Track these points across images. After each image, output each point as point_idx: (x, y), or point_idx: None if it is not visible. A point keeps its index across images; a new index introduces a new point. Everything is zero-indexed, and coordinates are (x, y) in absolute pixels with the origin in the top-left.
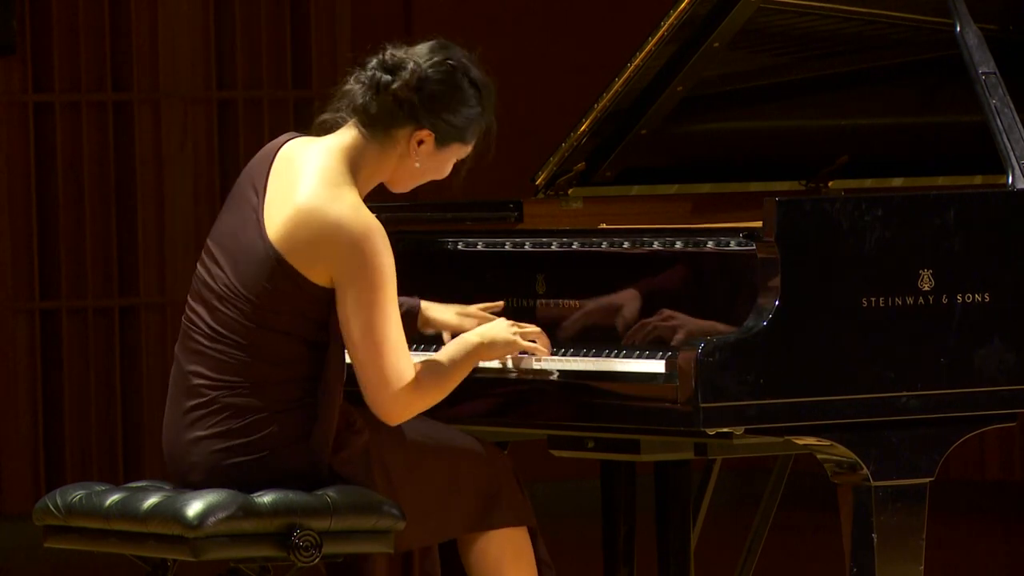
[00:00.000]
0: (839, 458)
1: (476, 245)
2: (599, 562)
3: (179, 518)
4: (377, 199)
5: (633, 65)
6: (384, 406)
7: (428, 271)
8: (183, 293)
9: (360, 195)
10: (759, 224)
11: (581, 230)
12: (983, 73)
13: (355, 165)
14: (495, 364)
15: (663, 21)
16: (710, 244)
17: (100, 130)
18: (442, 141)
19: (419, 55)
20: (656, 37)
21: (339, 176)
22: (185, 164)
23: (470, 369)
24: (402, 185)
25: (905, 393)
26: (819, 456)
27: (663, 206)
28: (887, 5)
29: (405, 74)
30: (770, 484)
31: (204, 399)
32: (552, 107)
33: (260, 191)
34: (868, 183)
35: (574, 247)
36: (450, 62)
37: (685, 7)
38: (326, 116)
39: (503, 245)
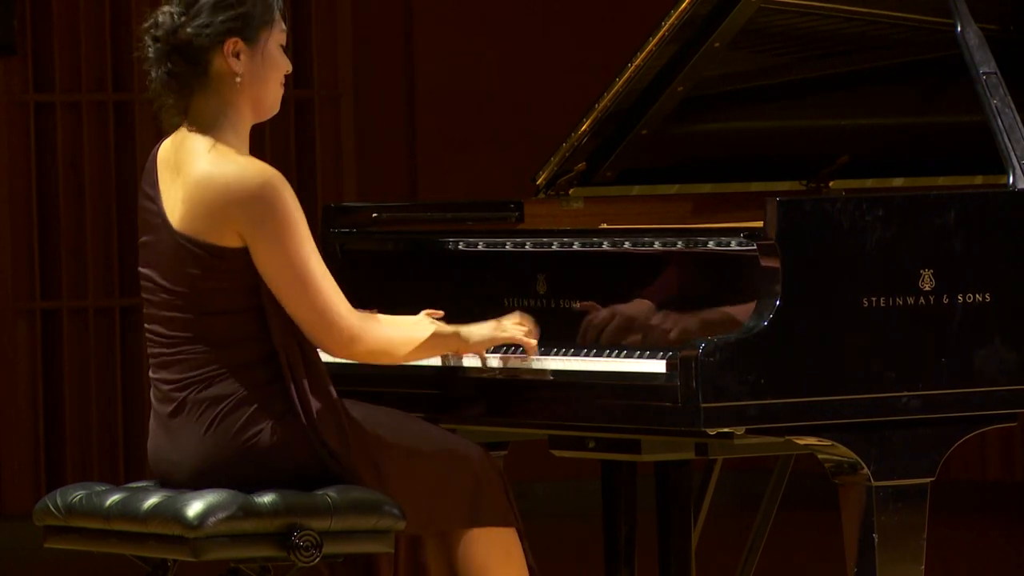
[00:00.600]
0: (840, 458)
1: (477, 245)
2: (600, 562)
3: (179, 518)
4: (376, 198)
5: (634, 65)
6: (328, 338)
7: (428, 271)
8: None
9: (243, 151)
10: (760, 224)
11: (582, 230)
12: (984, 73)
13: (218, 127)
14: (493, 364)
15: (664, 21)
16: (711, 244)
17: (101, 130)
18: (249, 38)
19: (163, 8)
20: (657, 37)
21: (214, 144)
22: None
23: (438, 349)
24: (264, 106)
25: (906, 393)
26: (820, 456)
27: (664, 206)
28: (888, 5)
29: (163, 26)
30: (771, 484)
31: (177, 403)
32: (553, 107)
33: (156, 196)
34: (869, 183)
35: (575, 247)
36: None
37: (686, 7)
38: (163, 114)
39: (504, 245)
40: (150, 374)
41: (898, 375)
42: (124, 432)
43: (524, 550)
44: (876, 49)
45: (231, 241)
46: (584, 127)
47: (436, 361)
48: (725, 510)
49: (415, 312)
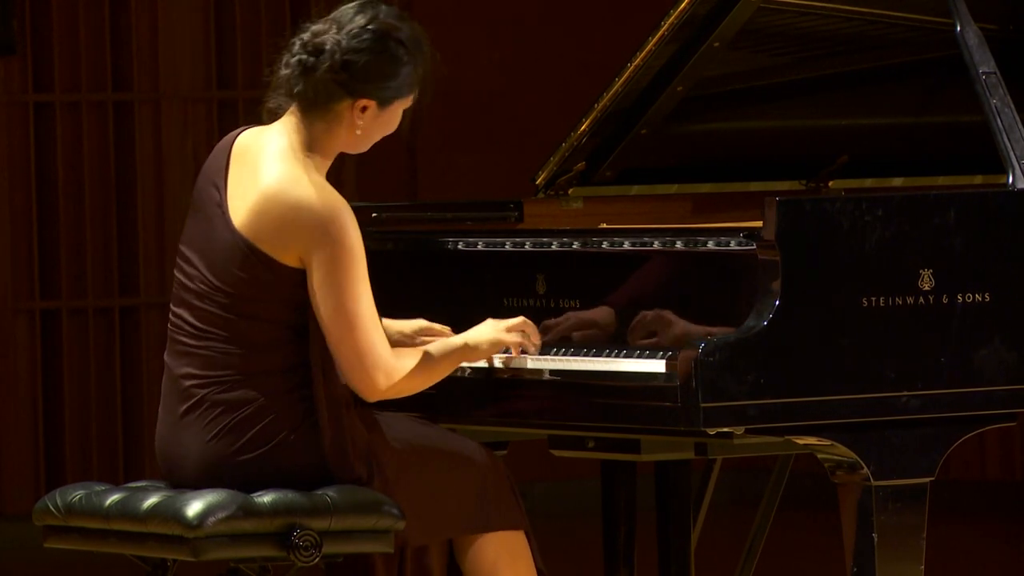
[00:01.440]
0: (839, 458)
1: (476, 245)
2: (599, 562)
3: (179, 518)
4: (376, 199)
5: (633, 65)
6: (362, 383)
7: (428, 271)
8: None
9: (321, 173)
10: (759, 224)
11: (581, 230)
12: (983, 73)
13: (308, 145)
14: (497, 364)
15: (663, 21)
16: (710, 244)
17: (100, 130)
18: (384, 103)
19: (341, 25)
20: (656, 37)
21: (297, 158)
22: (185, 164)
23: (453, 367)
24: (358, 149)
25: (905, 393)
26: (819, 456)
27: (663, 206)
28: (887, 5)
29: (328, 53)
30: (770, 484)
31: (195, 399)
32: (552, 107)
33: (221, 187)
34: (868, 183)
35: (574, 247)
36: (371, 28)
37: (685, 7)
38: (270, 104)
39: (503, 245)
40: (167, 358)
41: (897, 375)
42: (124, 432)
43: (532, 551)
44: (876, 49)
45: (290, 260)
46: (584, 127)
47: None
48: (724, 510)
49: (415, 315)
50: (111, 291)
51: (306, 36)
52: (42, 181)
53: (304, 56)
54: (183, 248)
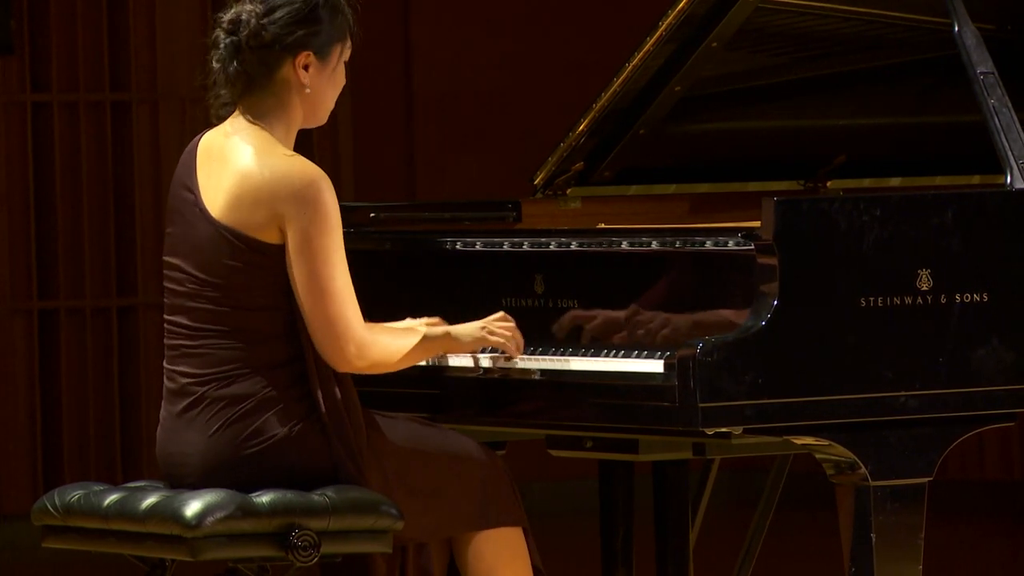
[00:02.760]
0: (837, 458)
1: (474, 245)
2: (597, 562)
3: (177, 518)
4: (374, 198)
5: (631, 65)
6: (333, 351)
7: (426, 271)
8: None
9: (288, 148)
10: (757, 224)
11: (579, 230)
12: (981, 73)
13: (270, 124)
14: (493, 364)
15: (661, 20)
16: (708, 244)
17: (98, 130)
18: (321, 53)
19: (246, 2)
20: (654, 37)
21: (263, 137)
22: None
23: (430, 354)
24: (316, 116)
25: (903, 393)
26: (817, 456)
27: (661, 206)
28: (885, 5)
29: (245, 22)
30: (768, 484)
31: (195, 396)
32: (550, 107)
33: (194, 188)
34: (866, 183)
35: (572, 247)
36: None
37: (683, 6)
38: (215, 105)
39: (501, 245)
40: (165, 365)
41: (896, 375)
42: (122, 432)
43: (530, 548)
44: (873, 49)
45: (272, 237)
46: (582, 127)
47: (433, 361)
48: (723, 510)
49: (413, 314)
50: (109, 291)
51: (223, 23)
52: (40, 181)
53: (228, 38)
54: (168, 258)
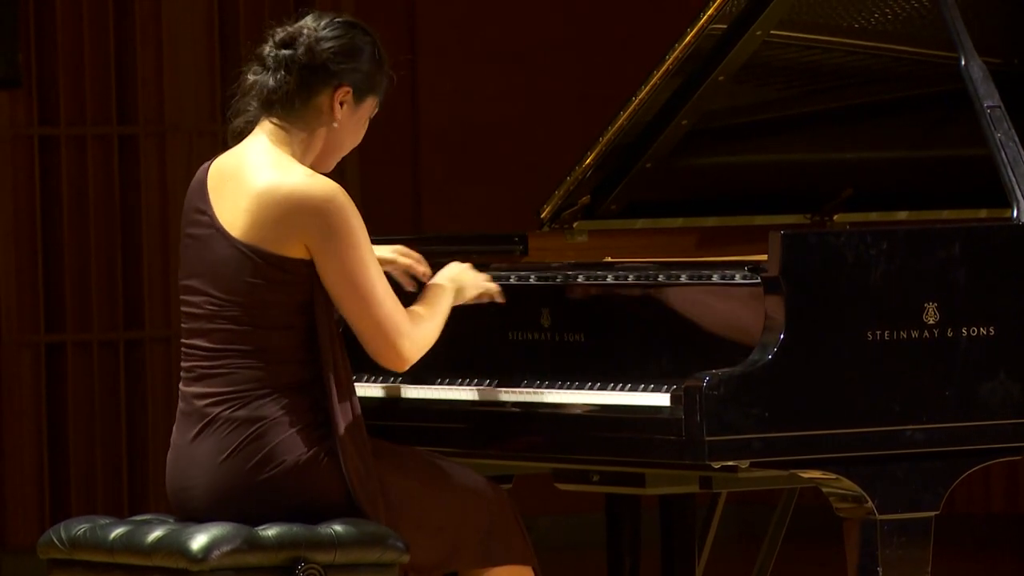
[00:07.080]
0: (844, 491)
1: None
2: None
3: (184, 551)
4: (381, 231)
5: (638, 98)
6: (390, 352)
7: None
8: None
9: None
10: (764, 257)
11: (586, 263)
12: (988, 107)
13: (290, 149)
14: (500, 397)
15: (668, 54)
16: (715, 277)
17: (105, 163)
18: (359, 94)
19: (308, 23)
20: (661, 70)
21: (282, 157)
22: None
23: (448, 311)
24: (329, 160)
25: (910, 426)
26: (824, 489)
27: (668, 239)
28: (892, 39)
29: (303, 40)
30: (775, 517)
31: (209, 418)
32: (557, 140)
33: (208, 210)
34: (873, 216)
35: (579, 280)
36: (339, 20)
37: (690, 40)
38: (238, 121)
39: (508, 278)
40: (181, 387)
41: (902, 408)
42: (128, 465)
43: None
44: (880, 83)
45: (296, 252)
46: (588, 160)
47: (441, 394)
48: (729, 543)
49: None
50: (116, 324)
51: (276, 36)
52: (47, 214)
53: (279, 51)
54: (184, 281)
